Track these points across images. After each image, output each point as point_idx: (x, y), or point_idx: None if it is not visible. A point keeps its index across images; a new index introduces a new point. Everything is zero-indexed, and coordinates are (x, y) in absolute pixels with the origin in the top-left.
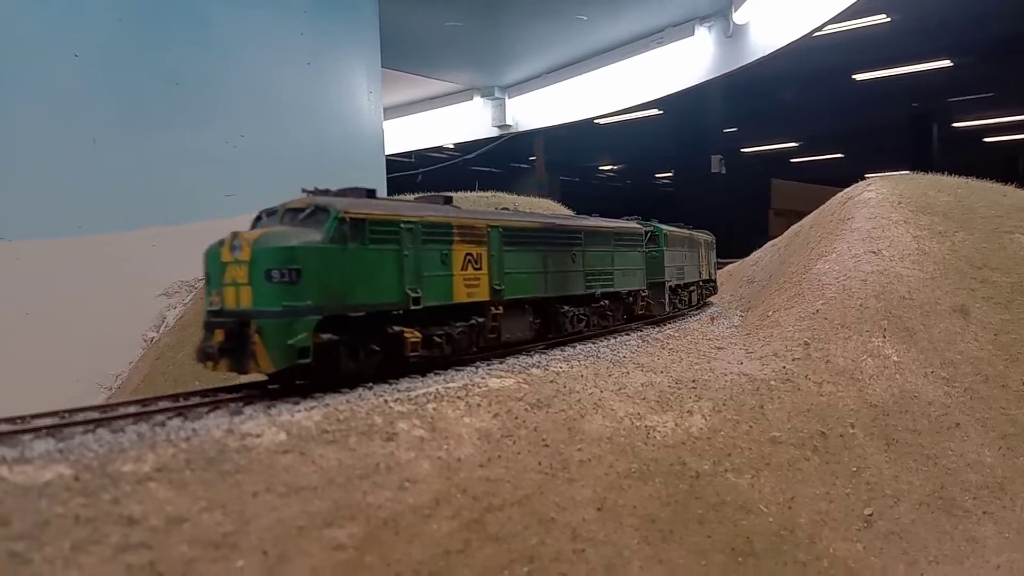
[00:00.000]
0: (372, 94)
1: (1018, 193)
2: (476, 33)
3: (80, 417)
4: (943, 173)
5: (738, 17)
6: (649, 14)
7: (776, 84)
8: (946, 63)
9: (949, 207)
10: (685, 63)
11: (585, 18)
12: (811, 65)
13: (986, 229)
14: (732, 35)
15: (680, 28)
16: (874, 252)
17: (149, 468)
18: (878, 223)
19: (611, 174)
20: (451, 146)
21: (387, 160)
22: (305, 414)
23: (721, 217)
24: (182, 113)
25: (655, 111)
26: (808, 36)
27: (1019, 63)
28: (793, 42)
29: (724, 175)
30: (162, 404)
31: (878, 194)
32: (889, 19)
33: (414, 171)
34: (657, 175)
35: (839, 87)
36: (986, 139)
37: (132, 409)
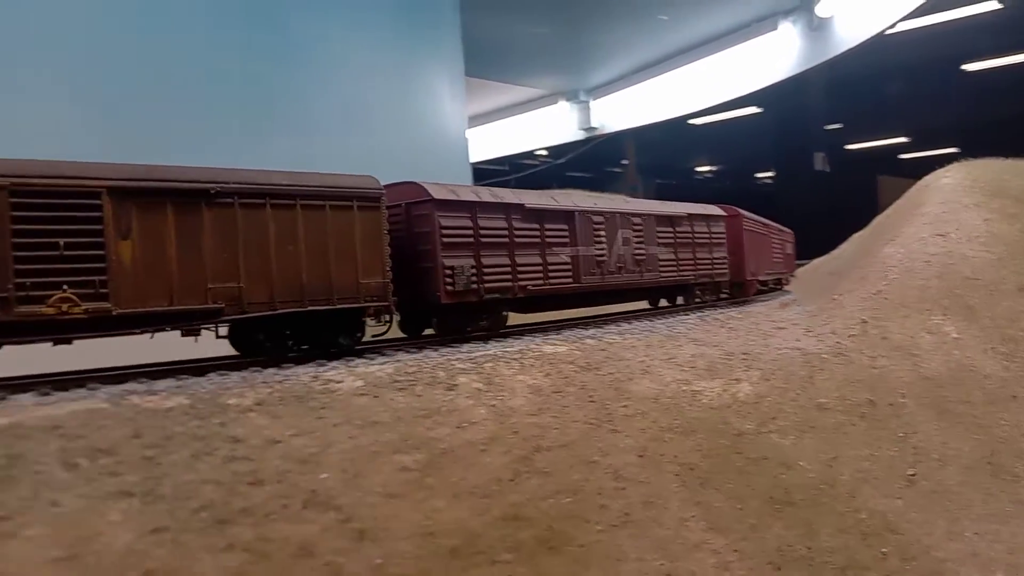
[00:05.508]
0: (456, 102)
1: None
2: (558, 39)
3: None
4: None
5: (821, 10)
6: (730, 11)
7: (881, 78)
8: None
9: (1023, 190)
10: (771, 59)
11: (666, 18)
12: (918, 57)
13: None
14: (817, 28)
15: (764, 23)
16: (941, 235)
17: (250, 402)
18: (949, 207)
19: (709, 175)
20: (544, 152)
21: (481, 168)
22: (379, 367)
23: (827, 215)
24: (279, 122)
25: (754, 109)
26: (888, 29)
27: None
28: (878, 34)
29: (828, 173)
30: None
31: (953, 180)
32: (1001, 5)
33: (507, 177)
34: (757, 175)
35: (951, 78)
36: None
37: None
